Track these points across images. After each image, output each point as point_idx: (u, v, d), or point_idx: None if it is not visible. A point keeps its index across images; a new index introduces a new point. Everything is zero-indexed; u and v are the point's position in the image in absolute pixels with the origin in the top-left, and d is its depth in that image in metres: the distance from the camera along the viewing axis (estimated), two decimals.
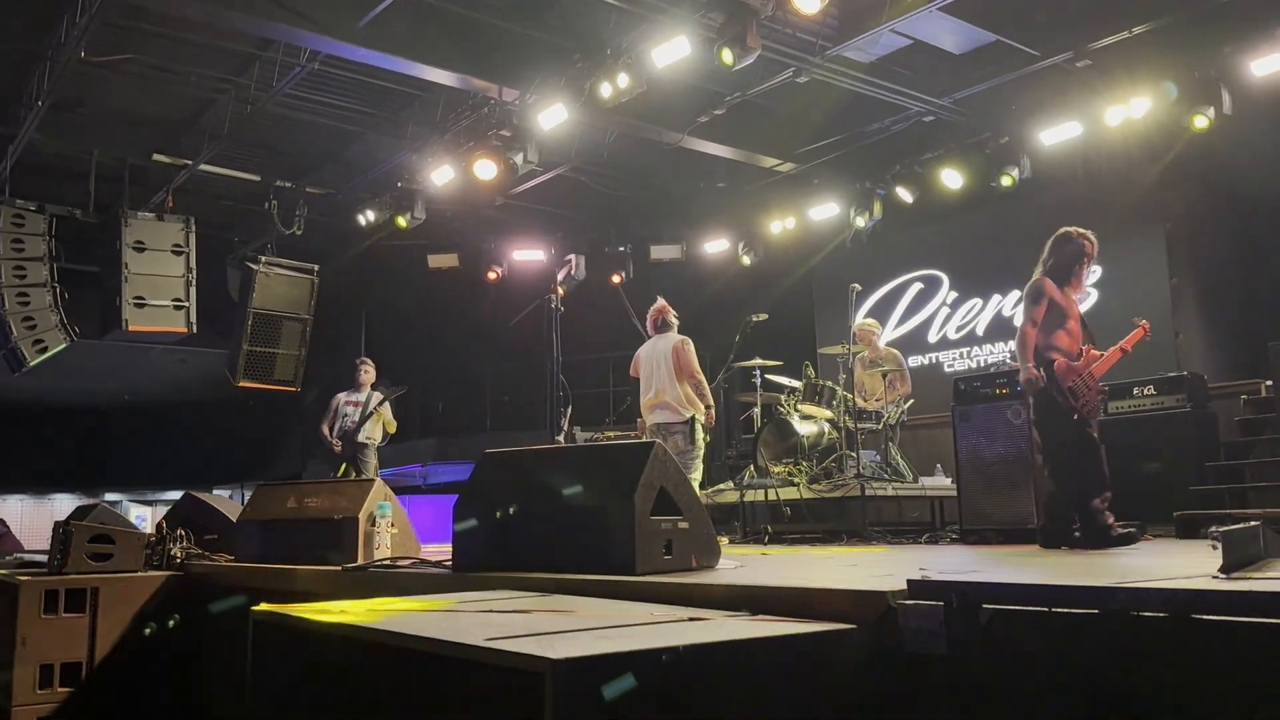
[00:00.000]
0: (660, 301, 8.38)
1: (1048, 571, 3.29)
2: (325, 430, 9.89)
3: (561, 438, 7.60)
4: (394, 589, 4.07)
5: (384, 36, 8.48)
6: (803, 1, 6.92)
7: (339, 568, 4.65)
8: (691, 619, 2.35)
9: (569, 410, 8.13)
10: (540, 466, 4.20)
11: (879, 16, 8.36)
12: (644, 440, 5.95)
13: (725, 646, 1.98)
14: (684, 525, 3.83)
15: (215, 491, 20.14)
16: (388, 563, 4.58)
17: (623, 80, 8.34)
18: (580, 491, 3.83)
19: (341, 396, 9.97)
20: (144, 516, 21.31)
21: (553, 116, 9.07)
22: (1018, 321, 6.21)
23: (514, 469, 4.26)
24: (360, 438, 9.63)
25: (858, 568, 3.96)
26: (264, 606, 2.89)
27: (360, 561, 5.09)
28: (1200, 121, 8.57)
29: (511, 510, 3.95)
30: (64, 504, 21.29)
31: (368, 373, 10.02)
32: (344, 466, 9.64)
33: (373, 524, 5.34)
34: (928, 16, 8.43)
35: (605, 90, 8.48)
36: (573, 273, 12.34)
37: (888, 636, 2.17)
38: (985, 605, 2.02)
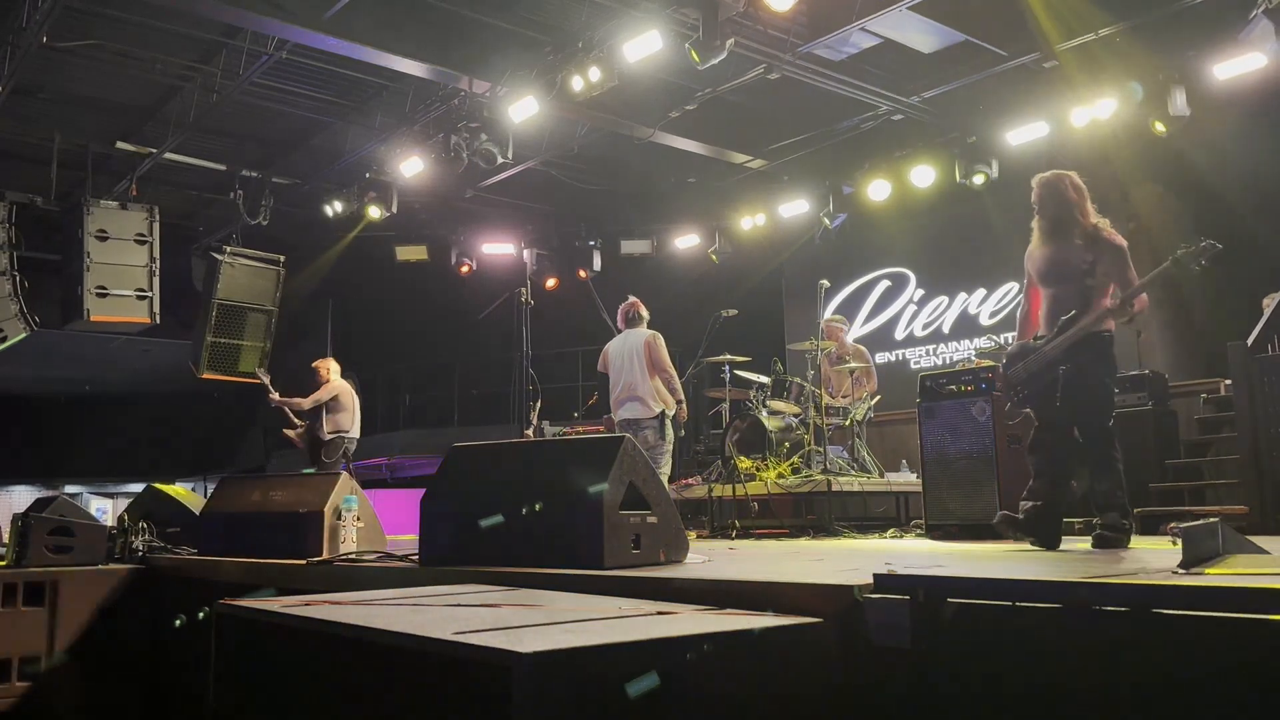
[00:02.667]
0: (631, 297, 8.38)
1: (1012, 566, 3.32)
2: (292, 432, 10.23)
3: (530, 432, 7.60)
4: (360, 583, 4.04)
5: (352, 26, 8.40)
6: (774, 0, 6.92)
7: (303, 561, 4.61)
8: (659, 613, 2.35)
9: (538, 404, 8.11)
10: (509, 460, 4.18)
11: (850, 15, 8.41)
12: (613, 435, 5.94)
13: (692, 640, 1.98)
14: (652, 520, 3.83)
15: (178, 484, 19.90)
16: (353, 557, 4.55)
17: (594, 74, 8.32)
18: (549, 486, 3.82)
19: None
20: (105, 509, 20.99)
21: (523, 109, 9.03)
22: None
23: (483, 463, 4.25)
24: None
25: (824, 562, 3.98)
26: (228, 600, 2.86)
27: (326, 555, 5.05)
28: (1160, 126, 8.69)
29: (480, 504, 3.94)
30: (23, 496, 20.94)
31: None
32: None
33: (338, 518, 5.30)
34: (897, 16, 8.48)
35: (576, 84, 8.45)
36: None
37: (854, 630, 2.18)
38: (950, 599, 2.04)
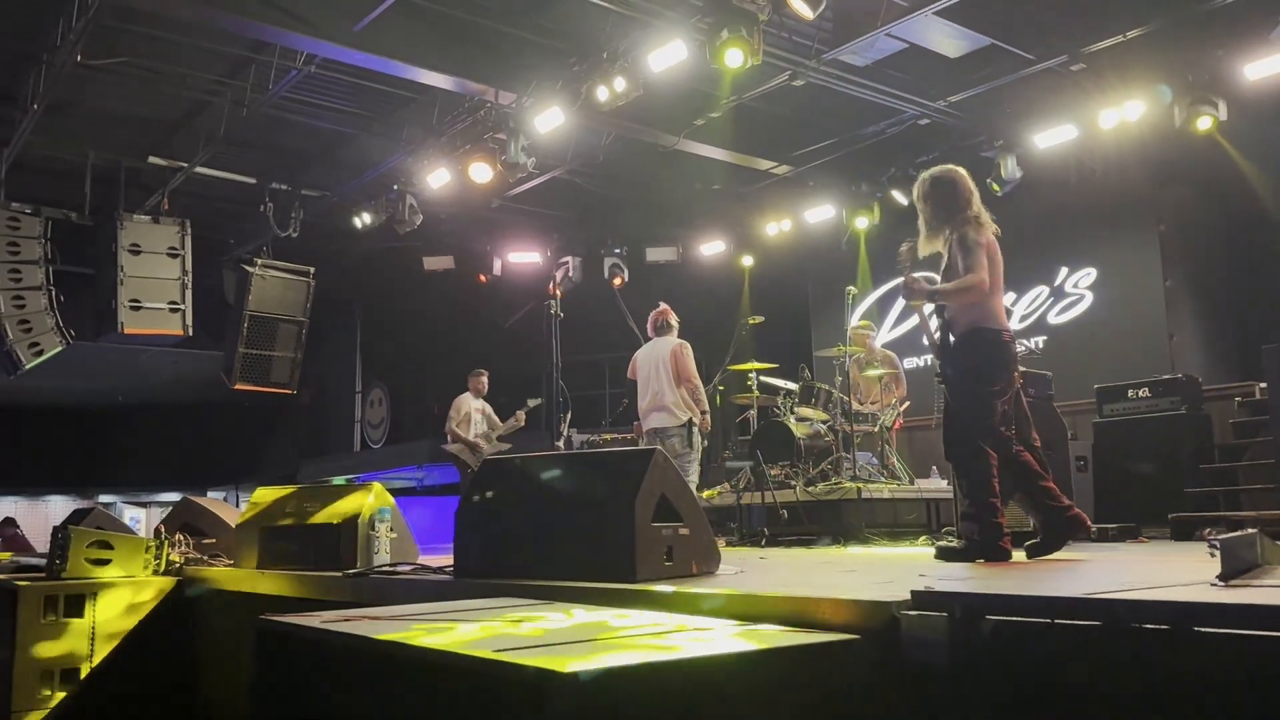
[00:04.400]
0: (661, 305, 8.41)
1: (1050, 580, 3.30)
2: (458, 430, 10.23)
3: (561, 443, 7.63)
4: (396, 595, 4.08)
5: (380, 40, 8.47)
6: (800, 5, 6.93)
7: (340, 573, 4.65)
8: (696, 629, 2.36)
9: (569, 415, 8.15)
10: (541, 473, 4.21)
11: (875, 20, 8.40)
12: (645, 447, 5.95)
13: (729, 658, 2.00)
14: (684, 531, 3.84)
15: (209, 493, 20.17)
16: (388, 569, 4.59)
17: (619, 84, 8.36)
18: (581, 498, 3.85)
19: (470, 402, 10.38)
20: (138, 518, 21.28)
21: (549, 120, 9.08)
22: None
23: (515, 476, 4.27)
24: (489, 450, 10.01)
25: (856, 574, 3.98)
26: (268, 616, 2.90)
27: (360, 566, 5.10)
28: (1204, 123, 8.61)
29: (512, 517, 3.97)
30: (58, 505, 21.24)
31: (485, 382, 10.61)
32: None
33: (372, 529, 5.35)
34: (923, 21, 8.46)
35: (602, 94, 8.49)
36: (570, 274, 12.38)
37: (890, 647, 2.19)
38: (988, 616, 2.04)
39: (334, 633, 2.56)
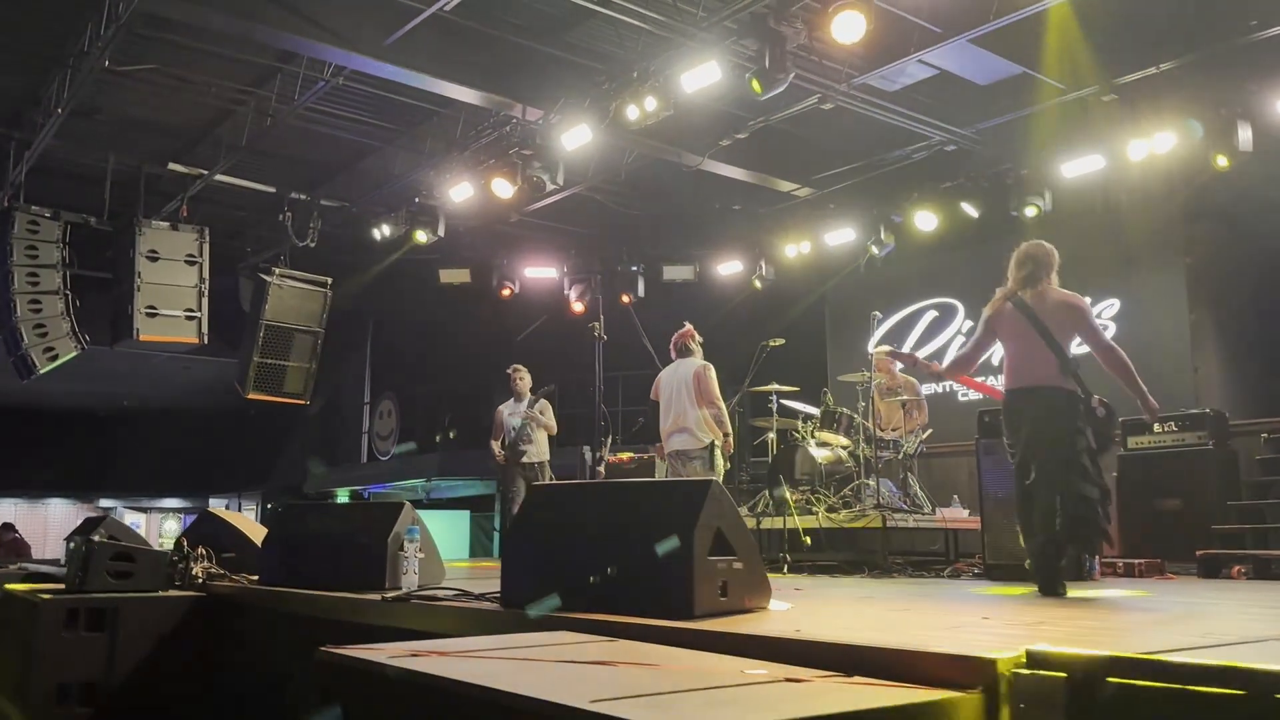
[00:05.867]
0: (685, 326, 8.36)
1: (1153, 631, 3.17)
2: (495, 446, 9.45)
3: (602, 469, 7.54)
4: (439, 622, 3.99)
5: (410, 53, 8.44)
6: (841, 32, 6.89)
7: (378, 596, 4.55)
8: (788, 679, 2.29)
9: (609, 440, 8.06)
10: (593, 502, 4.13)
11: (907, 47, 8.38)
12: (701, 479, 5.87)
13: (848, 717, 1.92)
14: (738, 565, 3.76)
15: (212, 501, 20.06)
16: (430, 594, 4.49)
17: (650, 103, 8.32)
18: (636, 530, 3.76)
19: (504, 410, 9.53)
20: (138, 524, 21.16)
21: (576, 137, 9.04)
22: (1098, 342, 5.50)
23: (566, 504, 4.19)
24: (531, 457, 9.31)
25: (910, 613, 3.89)
26: (330, 649, 2.80)
27: (388, 586, 5.00)
28: (1222, 161, 8.59)
29: (564, 547, 3.89)
30: (58, 509, 21.11)
31: (523, 379, 9.48)
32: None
33: (401, 548, 5.26)
34: (954, 48, 8.44)
35: (632, 112, 8.45)
36: (591, 291, 12.35)
37: (999, 707, 2.11)
38: (1110, 679, 1.96)
39: (409, 671, 2.48)
